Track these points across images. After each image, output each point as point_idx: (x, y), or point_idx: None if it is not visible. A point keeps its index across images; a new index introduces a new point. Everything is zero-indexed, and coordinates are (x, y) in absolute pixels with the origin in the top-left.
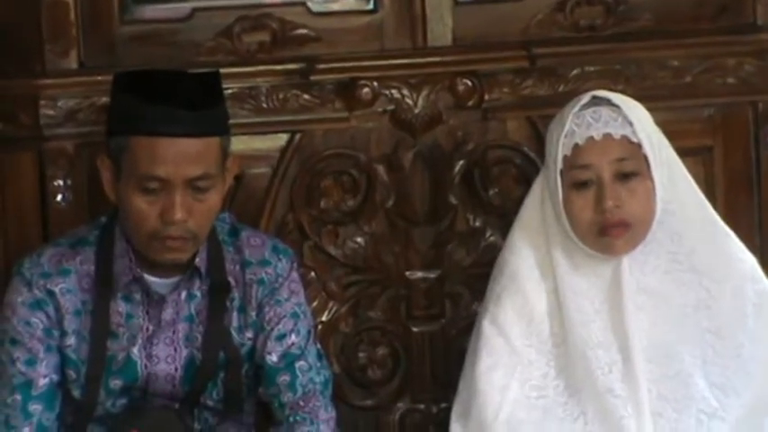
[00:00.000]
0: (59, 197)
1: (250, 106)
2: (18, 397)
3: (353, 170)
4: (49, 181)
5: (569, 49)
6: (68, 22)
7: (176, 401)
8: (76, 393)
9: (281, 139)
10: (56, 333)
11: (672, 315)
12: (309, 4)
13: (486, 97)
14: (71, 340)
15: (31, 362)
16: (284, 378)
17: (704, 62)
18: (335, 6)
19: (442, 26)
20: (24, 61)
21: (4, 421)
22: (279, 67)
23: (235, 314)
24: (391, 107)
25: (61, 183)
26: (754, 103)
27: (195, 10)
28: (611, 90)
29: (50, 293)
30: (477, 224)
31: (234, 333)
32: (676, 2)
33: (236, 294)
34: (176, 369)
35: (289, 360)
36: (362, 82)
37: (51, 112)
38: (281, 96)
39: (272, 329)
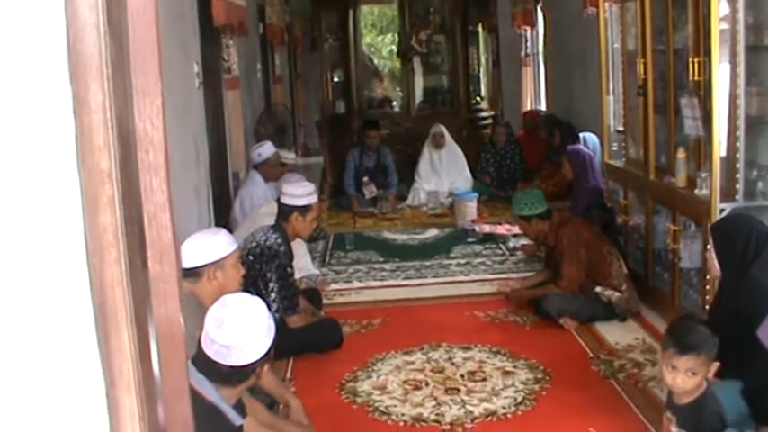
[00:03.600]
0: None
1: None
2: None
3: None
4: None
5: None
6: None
7: (373, 176)
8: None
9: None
10: (357, 159)
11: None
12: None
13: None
14: (358, 163)
15: (350, 167)
16: (389, 171)
17: None
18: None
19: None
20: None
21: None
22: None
23: (381, 157)
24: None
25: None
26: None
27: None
28: None
29: (354, 154)
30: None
31: (382, 161)
32: None
33: (383, 157)
34: (372, 169)
35: (389, 165)
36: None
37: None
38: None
39: (386, 161)
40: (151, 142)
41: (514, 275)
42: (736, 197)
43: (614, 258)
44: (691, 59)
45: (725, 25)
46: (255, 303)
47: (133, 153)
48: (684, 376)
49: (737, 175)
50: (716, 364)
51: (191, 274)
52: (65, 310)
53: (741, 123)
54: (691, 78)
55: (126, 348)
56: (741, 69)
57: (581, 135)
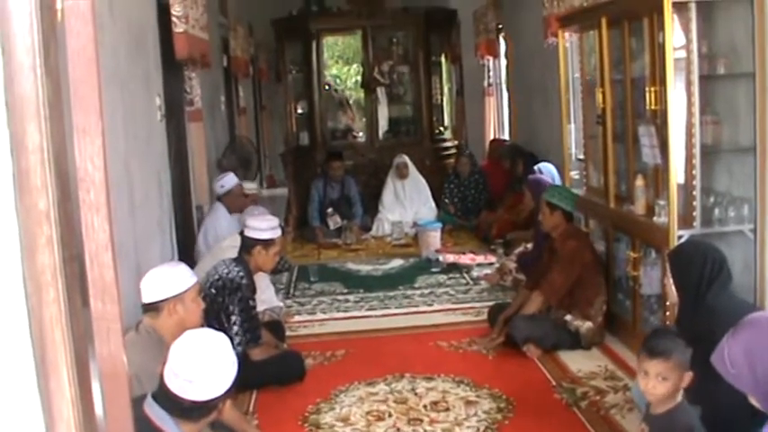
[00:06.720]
0: (319, 169)
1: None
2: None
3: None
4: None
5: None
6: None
7: (337, 207)
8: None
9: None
10: (321, 191)
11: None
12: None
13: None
14: (322, 195)
15: (314, 198)
16: (354, 202)
17: None
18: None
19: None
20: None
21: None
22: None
23: (345, 188)
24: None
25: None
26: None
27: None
28: None
29: (318, 185)
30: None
31: (346, 191)
32: None
33: (347, 187)
34: (336, 200)
35: (354, 196)
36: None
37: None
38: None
39: (351, 192)
40: (92, 182)
41: (477, 305)
42: (694, 224)
43: (602, 292)
44: (647, 88)
45: (680, 54)
46: (220, 339)
47: (73, 193)
48: (655, 381)
49: (695, 203)
50: (689, 374)
51: (151, 308)
52: (4, 351)
53: (697, 151)
54: (648, 107)
55: (65, 389)
56: (696, 98)
57: (536, 166)
